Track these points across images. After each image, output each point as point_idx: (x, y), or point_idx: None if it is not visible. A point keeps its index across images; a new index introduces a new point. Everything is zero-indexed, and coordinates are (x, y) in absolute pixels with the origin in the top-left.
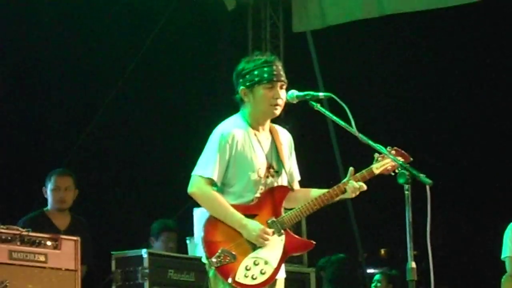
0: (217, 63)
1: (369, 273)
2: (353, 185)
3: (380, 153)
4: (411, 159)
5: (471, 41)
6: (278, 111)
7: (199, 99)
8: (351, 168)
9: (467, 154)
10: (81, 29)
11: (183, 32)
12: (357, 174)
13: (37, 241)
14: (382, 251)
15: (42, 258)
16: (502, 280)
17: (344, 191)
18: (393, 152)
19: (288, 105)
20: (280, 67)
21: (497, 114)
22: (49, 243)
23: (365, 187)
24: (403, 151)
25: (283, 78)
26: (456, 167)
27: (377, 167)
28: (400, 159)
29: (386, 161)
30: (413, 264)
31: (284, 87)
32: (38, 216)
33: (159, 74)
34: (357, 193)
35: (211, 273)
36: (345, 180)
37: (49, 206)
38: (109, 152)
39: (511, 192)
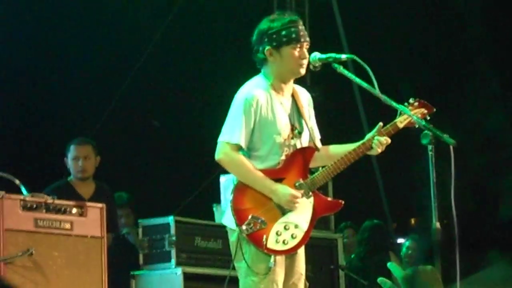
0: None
1: (398, 243)
2: (379, 139)
3: (402, 113)
4: (435, 109)
5: None
6: (303, 70)
7: (223, 64)
8: (379, 123)
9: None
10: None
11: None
12: (382, 129)
13: (62, 208)
14: (412, 220)
15: (67, 226)
16: None
17: (370, 148)
18: (416, 104)
19: (313, 73)
20: (303, 27)
21: None
22: (74, 210)
23: (389, 141)
24: (426, 102)
25: (308, 38)
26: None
27: (401, 121)
28: (424, 111)
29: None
30: (438, 225)
31: (308, 46)
32: (63, 185)
33: (183, 43)
34: (383, 148)
35: (233, 237)
36: (370, 135)
37: (71, 176)
38: (136, 121)
39: None
